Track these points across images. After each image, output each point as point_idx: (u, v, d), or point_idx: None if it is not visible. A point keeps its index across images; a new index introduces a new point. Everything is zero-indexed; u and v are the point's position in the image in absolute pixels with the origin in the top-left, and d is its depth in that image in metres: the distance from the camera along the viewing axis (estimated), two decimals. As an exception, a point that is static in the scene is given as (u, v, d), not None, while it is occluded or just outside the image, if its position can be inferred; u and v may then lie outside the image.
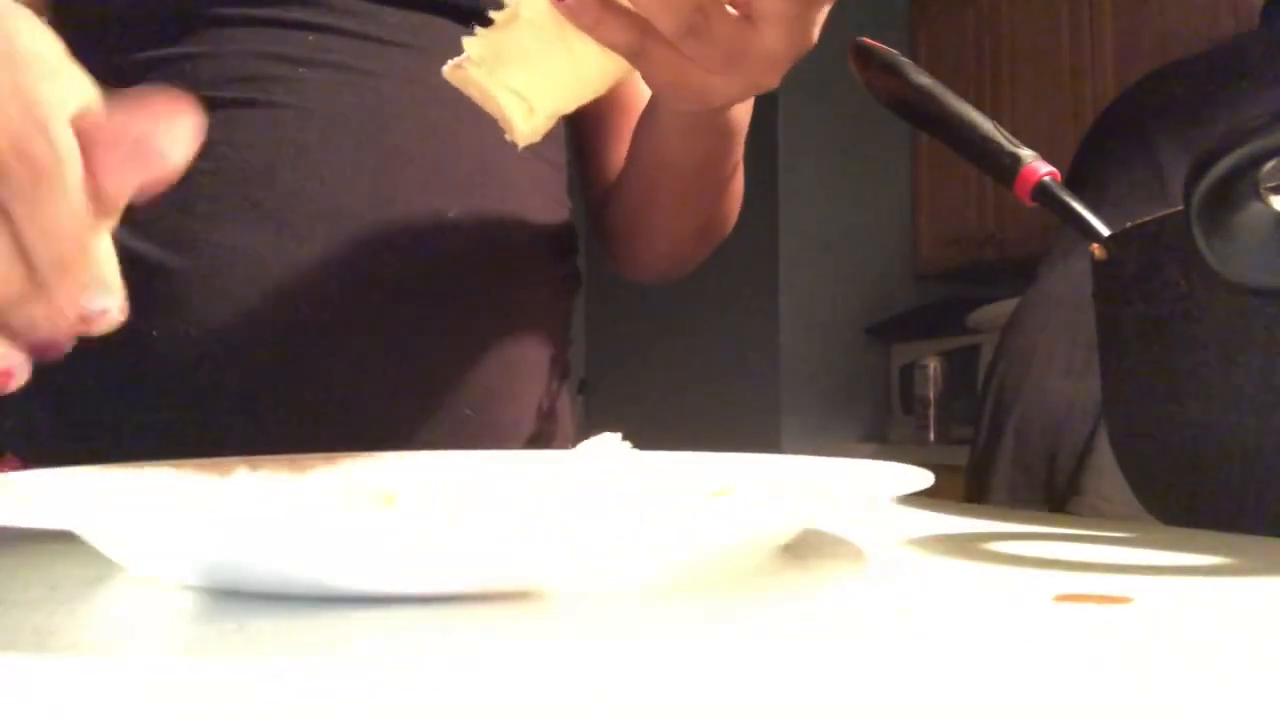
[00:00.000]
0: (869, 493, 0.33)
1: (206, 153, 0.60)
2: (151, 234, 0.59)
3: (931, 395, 3.01)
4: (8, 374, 0.34)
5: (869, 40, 0.62)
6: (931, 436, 3.00)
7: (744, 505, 0.32)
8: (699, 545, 0.32)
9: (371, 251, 0.61)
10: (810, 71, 3.17)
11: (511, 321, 0.66)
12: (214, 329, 0.59)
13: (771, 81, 0.48)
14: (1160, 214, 0.47)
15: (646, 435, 0.49)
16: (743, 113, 0.64)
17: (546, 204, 0.70)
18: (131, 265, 0.59)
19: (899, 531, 0.45)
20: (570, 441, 0.74)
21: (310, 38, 0.61)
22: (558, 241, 0.71)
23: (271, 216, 0.59)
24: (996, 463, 0.90)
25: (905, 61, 0.60)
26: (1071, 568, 0.37)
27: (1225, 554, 0.40)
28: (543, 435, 0.70)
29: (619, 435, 0.46)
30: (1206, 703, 0.21)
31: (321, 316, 0.60)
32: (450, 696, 0.22)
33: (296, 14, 0.60)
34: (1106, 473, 0.77)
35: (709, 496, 0.40)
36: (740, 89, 0.49)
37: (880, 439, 3.33)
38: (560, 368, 0.73)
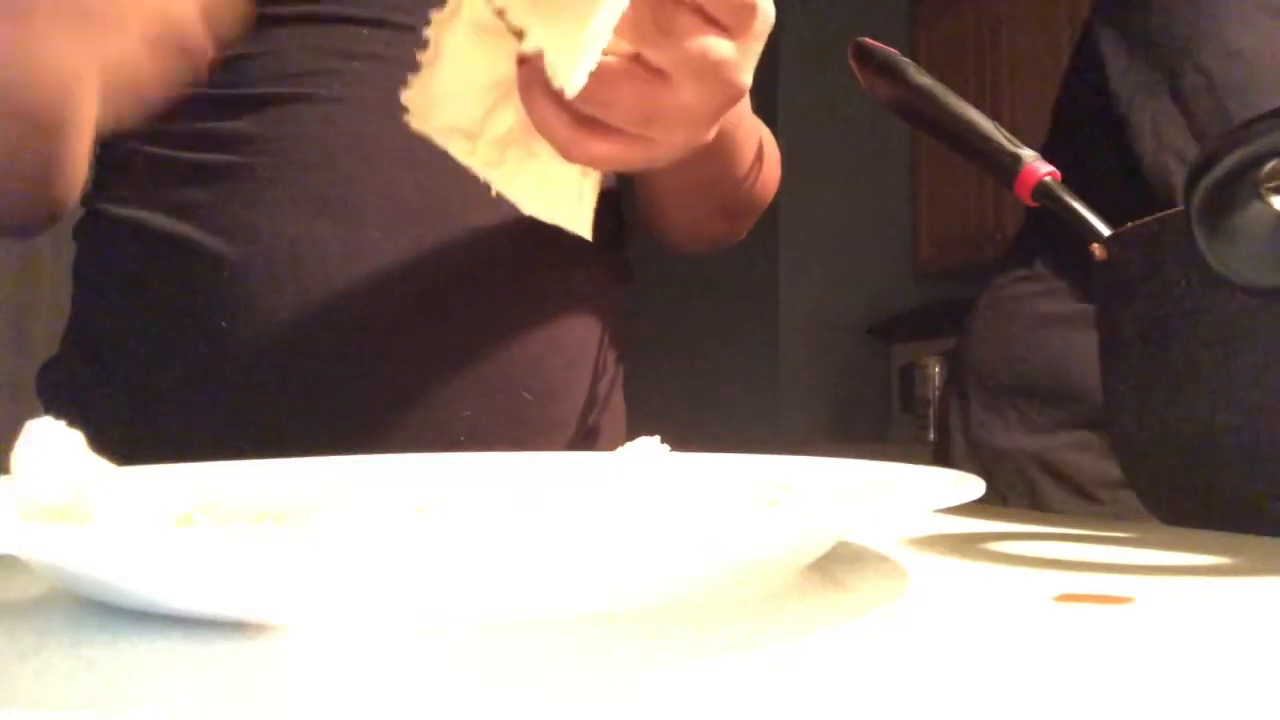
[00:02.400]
0: (923, 504, 0.32)
1: (266, 147, 0.62)
2: (215, 228, 0.61)
3: (931, 395, 3.01)
4: None
5: (869, 40, 0.62)
6: (932, 436, 3.00)
7: (799, 518, 0.31)
8: (742, 561, 0.31)
9: (427, 238, 0.62)
10: (810, 71, 3.18)
11: (565, 308, 0.67)
12: (279, 317, 0.61)
13: (702, 135, 0.46)
14: (1160, 214, 0.47)
15: (645, 435, 0.49)
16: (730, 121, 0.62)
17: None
18: (199, 258, 0.61)
19: (899, 531, 0.45)
20: (621, 437, 0.74)
21: (364, 32, 0.62)
22: (606, 228, 0.72)
23: (330, 206, 0.61)
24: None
25: (905, 62, 0.60)
26: (1071, 568, 0.37)
27: (1225, 554, 0.40)
28: (595, 428, 0.71)
29: (657, 438, 0.45)
30: (1206, 703, 0.21)
31: (380, 301, 0.61)
32: None
33: (348, 10, 0.62)
34: None
35: (762, 507, 0.39)
36: (672, 147, 0.46)
37: (880, 439, 3.33)
38: (613, 360, 0.73)
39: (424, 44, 0.44)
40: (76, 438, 0.34)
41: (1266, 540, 0.43)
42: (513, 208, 0.65)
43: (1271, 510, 0.43)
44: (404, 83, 0.45)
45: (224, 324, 0.60)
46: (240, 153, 0.62)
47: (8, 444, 0.34)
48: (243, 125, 0.62)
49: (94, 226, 0.67)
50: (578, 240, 0.69)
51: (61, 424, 0.35)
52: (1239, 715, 0.21)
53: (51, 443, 0.34)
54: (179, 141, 0.63)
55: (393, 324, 0.61)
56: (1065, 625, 0.28)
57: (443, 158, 0.64)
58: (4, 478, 0.35)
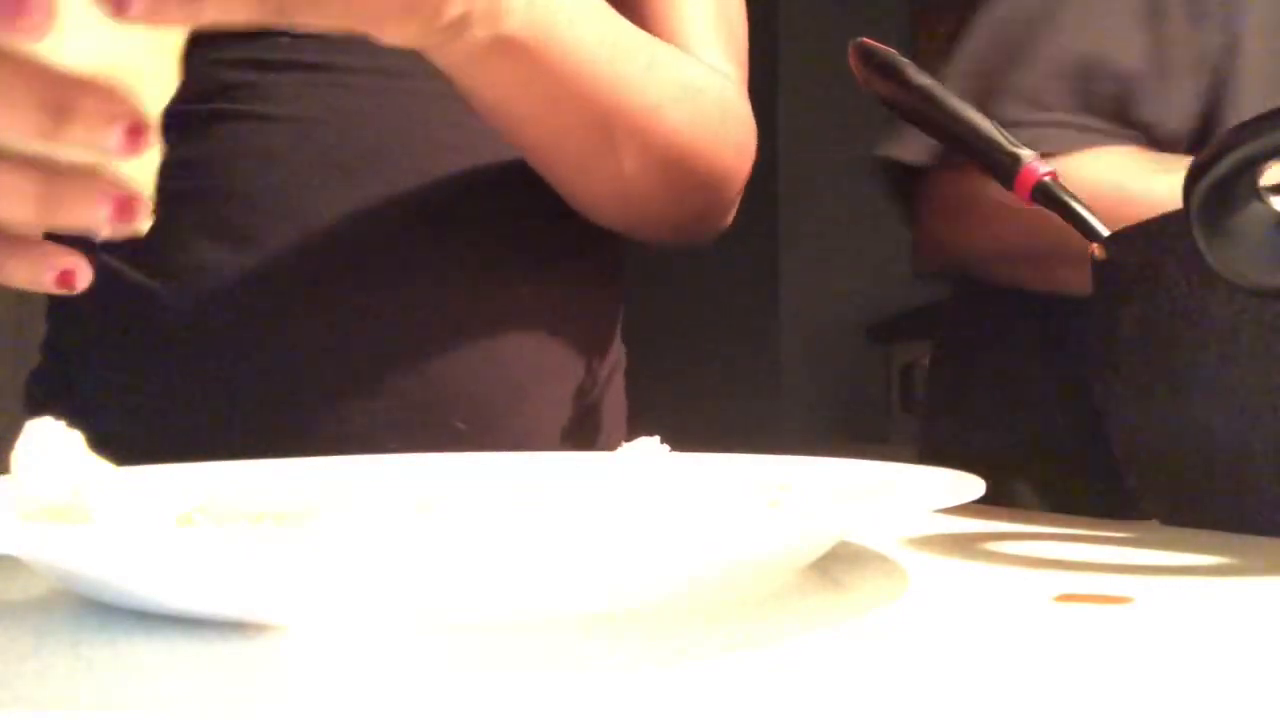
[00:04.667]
0: (923, 504, 0.32)
1: (175, 171, 0.58)
2: (134, 259, 0.59)
3: (931, 395, 3.01)
4: (70, 275, 0.39)
5: (869, 40, 0.62)
6: (931, 436, 3.00)
7: (799, 518, 0.31)
8: (742, 561, 0.31)
9: (342, 261, 0.59)
10: (810, 71, 3.18)
11: (509, 326, 0.63)
12: (190, 349, 0.59)
13: None
14: (1160, 214, 0.47)
15: (645, 435, 0.49)
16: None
17: (553, 200, 0.63)
18: (126, 290, 0.59)
19: (899, 531, 0.45)
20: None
21: (284, 40, 0.59)
22: (567, 238, 0.66)
23: (238, 233, 0.59)
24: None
25: (905, 62, 0.60)
26: (1071, 568, 0.37)
27: (1225, 554, 0.40)
28: (583, 444, 0.67)
29: (657, 438, 0.45)
30: (1206, 703, 0.21)
31: (290, 332, 0.58)
32: None
33: None
34: None
35: (763, 506, 0.39)
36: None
37: (880, 439, 3.33)
38: (602, 366, 0.69)
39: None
40: (76, 438, 0.34)
41: (1266, 540, 0.43)
42: (444, 219, 0.60)
43: (1270, 511, 0.43)
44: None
45: (140, 353, 0.59)
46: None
47: (8, 444, 0.34)
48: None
49: None
50: (518, 258, 0.62)
51: (61, 424, 0.35)
52: (1239, 715, 0.21)
53: (51, 443, 0.34)
54: None
55: (302, 353, 0.59)
56: (1065, 625, 0.28)
57: (354, 172, 0.59)
58: (4, 478, 0.35)
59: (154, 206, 0.46)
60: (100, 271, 0.59)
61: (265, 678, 0.24)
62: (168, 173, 0.58)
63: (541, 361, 0.64)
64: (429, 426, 0.60)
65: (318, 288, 0.59)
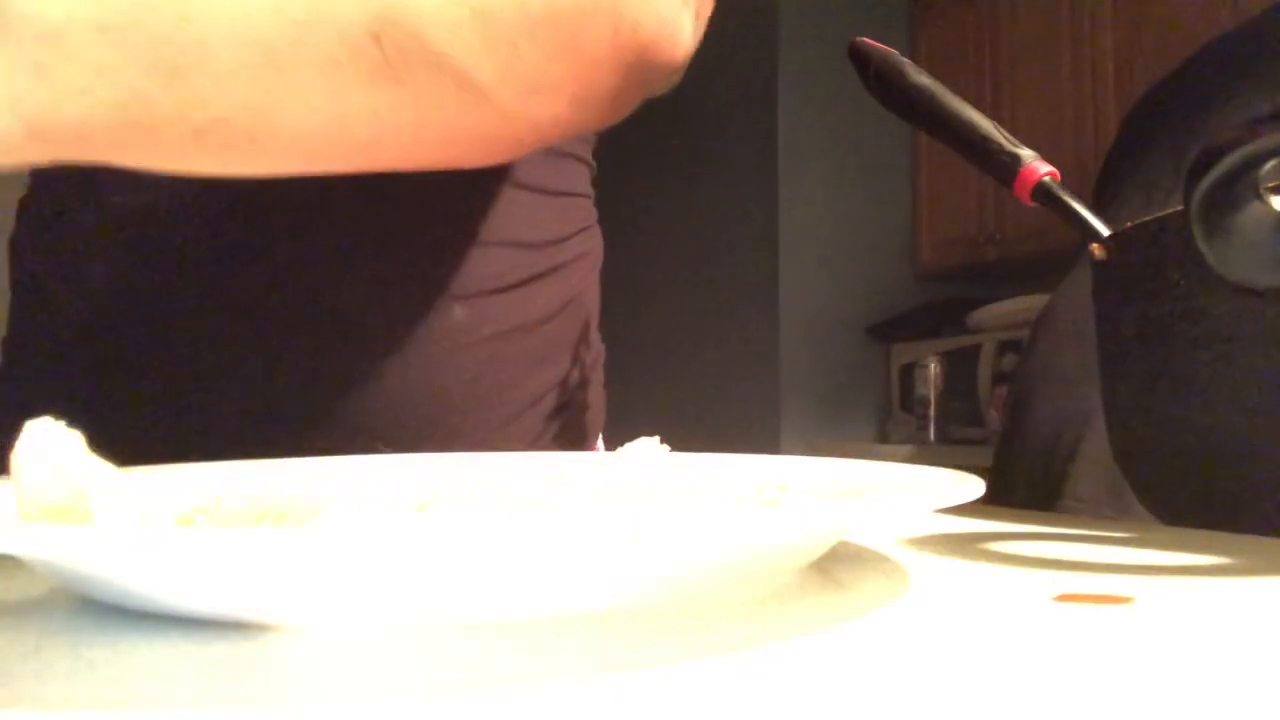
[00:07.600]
0: (923, 504, 0.32)
1: (87, 177, 0.54)
2: (46, 263, 0.58)
3: (931, 395, 3.01)
4: None
5: (868, 40, 0.62)
6: (931, 436, 3.00)
7: (799, 518, 0.31)
8: (742, 561, 0.31)
9: (257, 264, 0.55)
10: (810, 71, 3.18)
11: (436, 351, 0.58)
12: (100, 363, 0.57)
13: None
14: (1160, 214, 0.47)
15: (645, 435, 0.49)
16: None
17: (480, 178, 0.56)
18: (33, 290, 0.57)
19: (899, 531, 0.45)
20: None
21: None
22: (512, 255, 0.61)
23: (148, 253, 0.56)
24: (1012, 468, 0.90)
25: (905, 61, 0.60)
26: (1071, 568, 0.37)
27: (1225, 554, 0.40)
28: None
29: (657, 438, 0.45)
30: (1206, 703, 0.21)
31: (206, 351, 0.56)
32: None
33: None
34: (1084, 477, 0.78)
35: (760, 506, 0.39)
36: None
37: (880, 439, 3.33)
38: (540, 386, 0.64)
39: None
40: (76, 438, 0.34)
41: (1266, 540, 0.43)
42: (371, 229, 0.54)
43: (1271, 510, 0.43)
44: None
45: (62, 364, 0.58)
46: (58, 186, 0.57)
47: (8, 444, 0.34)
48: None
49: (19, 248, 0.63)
50: (445, 259, 0.56)
51: (61, 424, 0.35)
52: (1239, 715, 0.21)
53: (51, 443, 0.34)
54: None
55: (212, 369, 0.56)
56: (1065, 625, 0.28)
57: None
58: (4, 478, 0.35)
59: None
60: (22, 277, 0.59)
61: (265, 678, 0.24)
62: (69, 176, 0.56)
63: (481, 382, 0.60)
64: (350, 449, 0.56)
65: (230, 297, 0.56)
